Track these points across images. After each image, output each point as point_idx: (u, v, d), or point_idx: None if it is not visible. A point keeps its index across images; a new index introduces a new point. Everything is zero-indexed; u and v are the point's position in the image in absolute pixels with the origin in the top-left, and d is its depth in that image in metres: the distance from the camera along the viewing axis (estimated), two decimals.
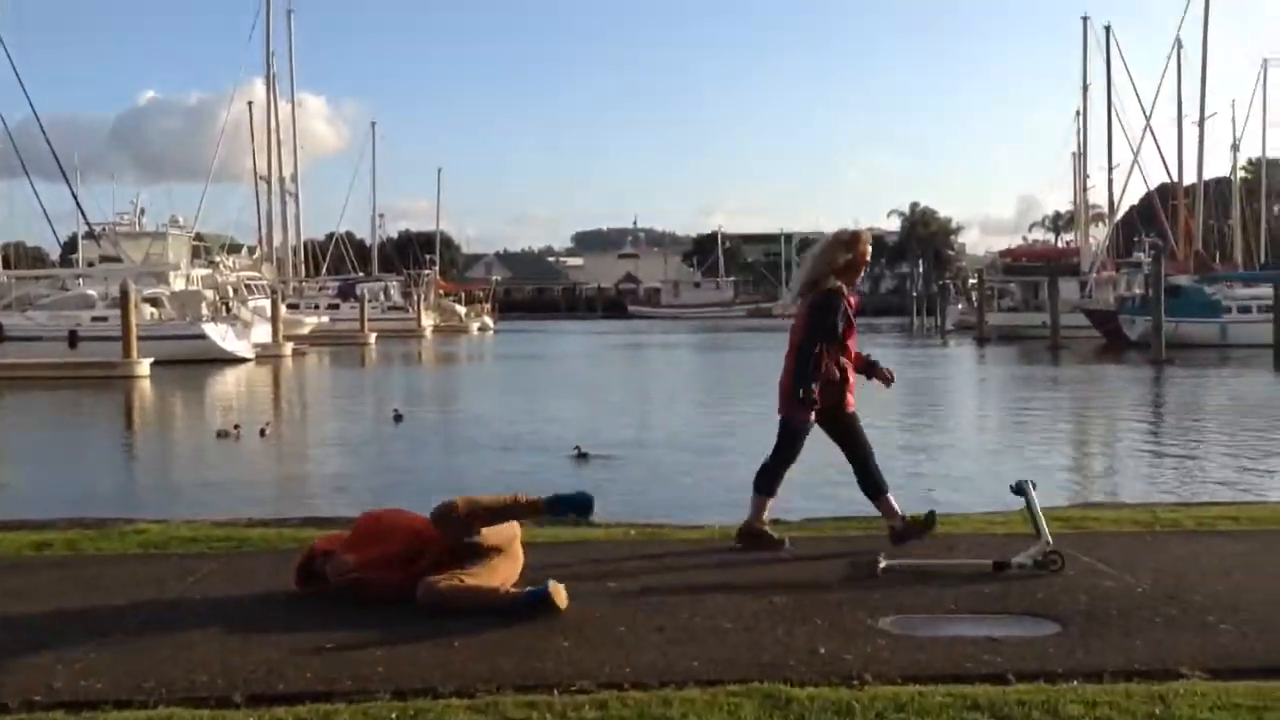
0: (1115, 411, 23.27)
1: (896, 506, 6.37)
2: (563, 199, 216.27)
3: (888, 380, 6.59)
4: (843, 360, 6.30)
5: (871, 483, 6.37)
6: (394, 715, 3.67)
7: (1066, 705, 3.62)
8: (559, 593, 4.88)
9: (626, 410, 23.37)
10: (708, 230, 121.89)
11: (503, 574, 5.18)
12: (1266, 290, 42.11)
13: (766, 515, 6.39)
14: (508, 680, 4.03)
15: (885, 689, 3.88)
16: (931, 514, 6.50)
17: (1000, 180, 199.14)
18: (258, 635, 4.64)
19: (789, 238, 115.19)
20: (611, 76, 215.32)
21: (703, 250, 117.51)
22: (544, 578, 5.05)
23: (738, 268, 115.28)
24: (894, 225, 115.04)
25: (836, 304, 6.22)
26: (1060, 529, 6.56)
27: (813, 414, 6.26)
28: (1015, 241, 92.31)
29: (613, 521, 7.70)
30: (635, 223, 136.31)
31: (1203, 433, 19.22)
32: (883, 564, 5.62)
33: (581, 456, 15.00)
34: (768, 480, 6.35)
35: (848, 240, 6.39)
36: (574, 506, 5.38)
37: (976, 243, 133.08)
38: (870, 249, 6.45)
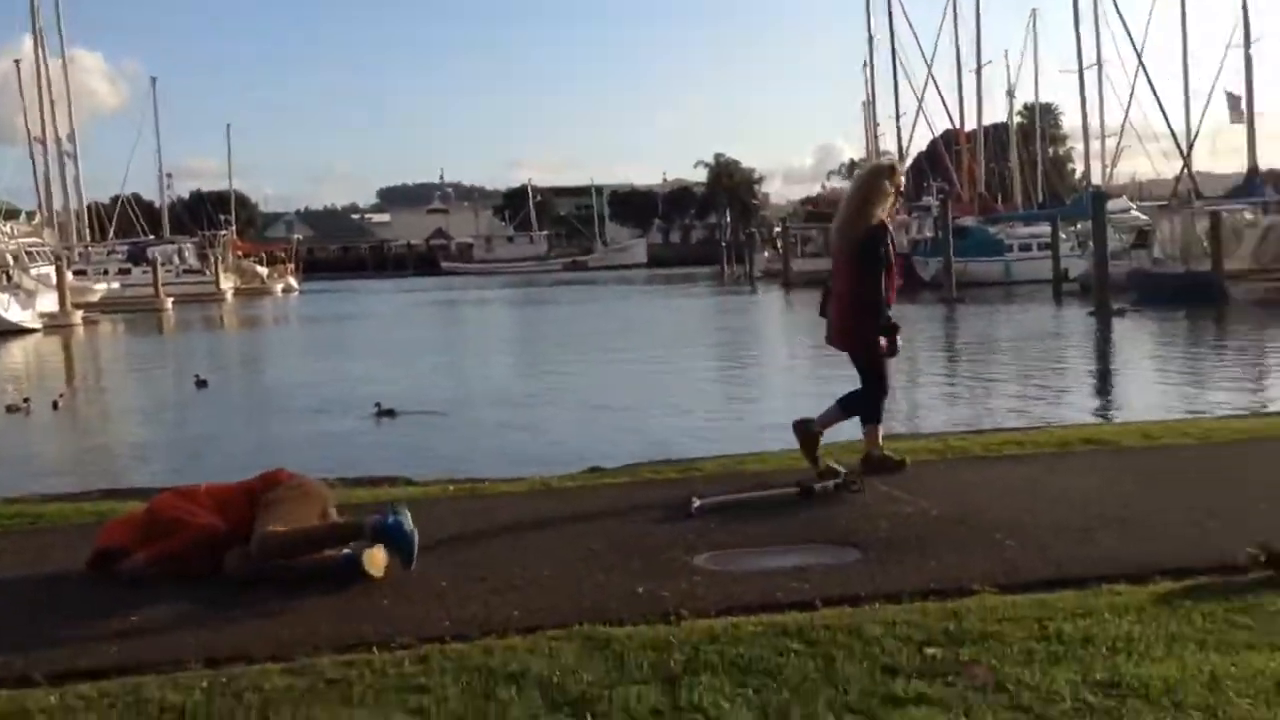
0: (913, 348, 24.38)
1: (880, 439, 6.66)
2: (365, 154, 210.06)
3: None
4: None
5: (871, 408, 6.63)
6: (204, 683, 3.56)
7: (868, 626, 3.83)
8: (373, 560, 4.77)
9: (442, 368, 23.08)
10: (517, 183, 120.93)
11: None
12: (1045, 229, 44.85)
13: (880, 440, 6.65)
14: (326, 642, 3.97)
15: (701, 623, 4.01)
16: (903, 460, 6.64)
17: (799, 130, 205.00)
18: (57, 613, 4.43)
19: (599, 190, 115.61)
20: (408, 22, 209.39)
21: (513, 204, 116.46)
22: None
23: (550, 221, 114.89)
24: (701, 176, 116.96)
25: (884, 236, 6.43)
26: (858, 458, 6.90)
27: (897, 340, 6.51)
28: (815, 189, 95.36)
29: (430, 478, 7.63)
30: (442, 177, 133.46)
31: (992, 365, 20.44)
32: (696, 504, 5.78)
33: (385, 414, 14.70)
34: (872, 409, 6.60)
35: (885, 171, 6.60)
36: (396, 542, 4.86)
37: (780, 191, 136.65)
38: (903, 178, 6.44)
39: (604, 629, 3.94)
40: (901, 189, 6.66)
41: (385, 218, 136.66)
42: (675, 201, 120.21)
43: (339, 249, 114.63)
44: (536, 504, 6.31)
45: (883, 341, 6.50)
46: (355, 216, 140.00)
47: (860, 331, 6.51)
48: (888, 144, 64.28)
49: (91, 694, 3.52)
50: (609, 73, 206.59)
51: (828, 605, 4.16)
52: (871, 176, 6.65)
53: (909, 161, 63.73)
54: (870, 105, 63.25)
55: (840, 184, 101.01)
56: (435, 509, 6.22)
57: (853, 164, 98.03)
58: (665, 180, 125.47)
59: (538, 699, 3.34)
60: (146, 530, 5.02)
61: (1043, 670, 3.37)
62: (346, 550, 4.89)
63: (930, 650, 3.57)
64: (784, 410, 14.94)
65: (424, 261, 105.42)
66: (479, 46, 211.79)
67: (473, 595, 4.51)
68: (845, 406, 6.72)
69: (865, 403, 6.64)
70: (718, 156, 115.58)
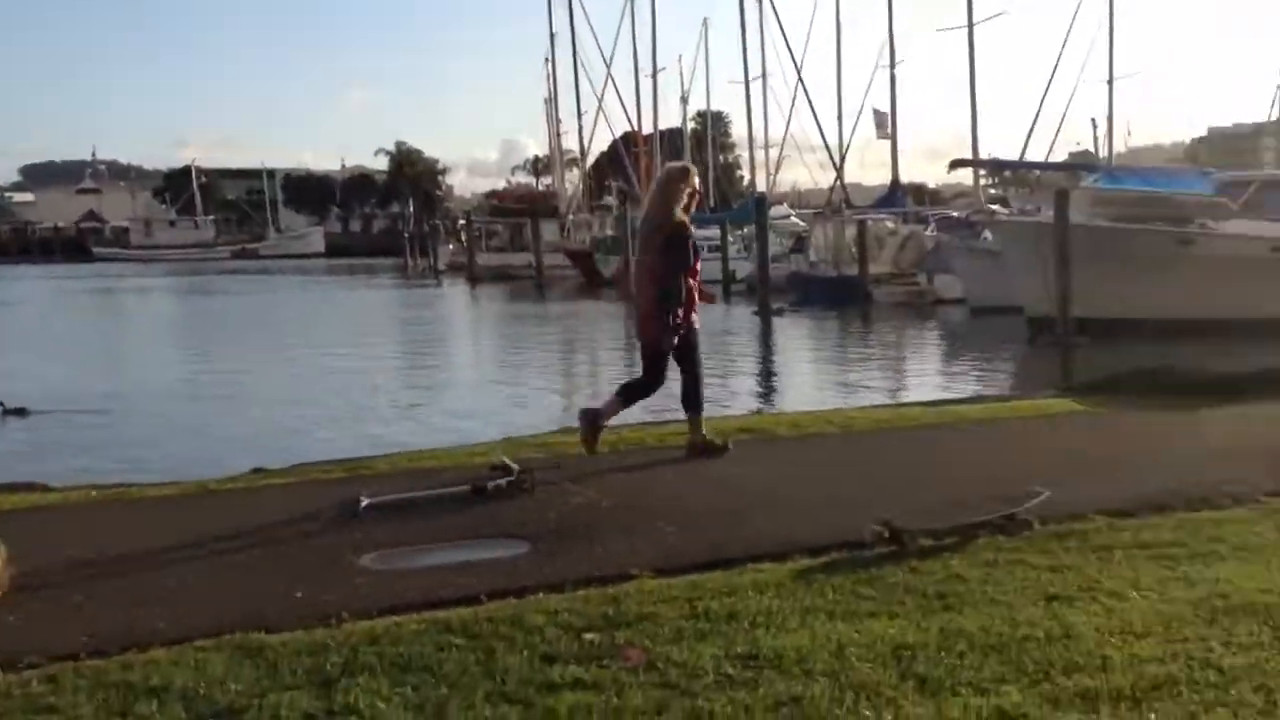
0: (591, 343, 25.10)
1: (703, 427, 7.09)
2: (7, 126, 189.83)
3: (711, 299, 7.57)
4: (690, 283, 6.88)
5: (695, 398, 7.04)
6: None
7: (531, 616, 3.89)
8: None
9: (98, 362, 21.35)
10: (180, 163, 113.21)
11: None
12: (715, 231, 47.18)
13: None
14: None
15: (362, 625, 3.93)
16: (726, 444, 7.04)
17: (485, 123, 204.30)
18: None
19: (272, 173, 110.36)
20: None
21: (175, 185, 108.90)
22: None
23: (217, 205, 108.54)
24: (382, 164, 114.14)
25: (689, 236, 6.89)
26: (535, 453, 7.00)
27: (676, 336, 6.85)
28: (500, 183, 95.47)
29: (71, 484, 7.03)
30: (95, 154, 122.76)
31: None
32: (364, 503, 5.65)
33: (13, 413, 13.44)
34: (695, 399, 7.04)
35: (680, 174, 7.01)
36: None
37: (465, 184, 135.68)
38: (697, 179, 7.08)
39: (258, 636, 3.79)
40: (698, 190, 7.09)
41: (29, 197, 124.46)
42: (355, 189, 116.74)
43: None
44: (192, 509, 5.97)
45: (671, 321, 6.82)
46: None
47: (666, 323, 6.86)
48: (570, 142, 65.39)
49: None
50: (287, 48, 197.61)
51: (493, 599, 4.19)
52: (670, 178, 7.07)
53: (590, 160, 65.22)
54: (552, 102, 64.02)
55: (525, 179, 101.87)
56: (76, 517, 5.77)
57: (537, 160, 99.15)
58: (344, 167, 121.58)
59: (181, 712, 3.17)
60: None
61: (690, 647, 3.55)
62: None
63: (589, 636, 3.68)
64: (466, 407, 15.15)
65: (74, 246, 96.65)
66: (143, 9, 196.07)
67: (113, 608, 4.20)
68: (624, 395, 7.07)
69: (690, 390, 7.06)
70: (399, 144, 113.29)
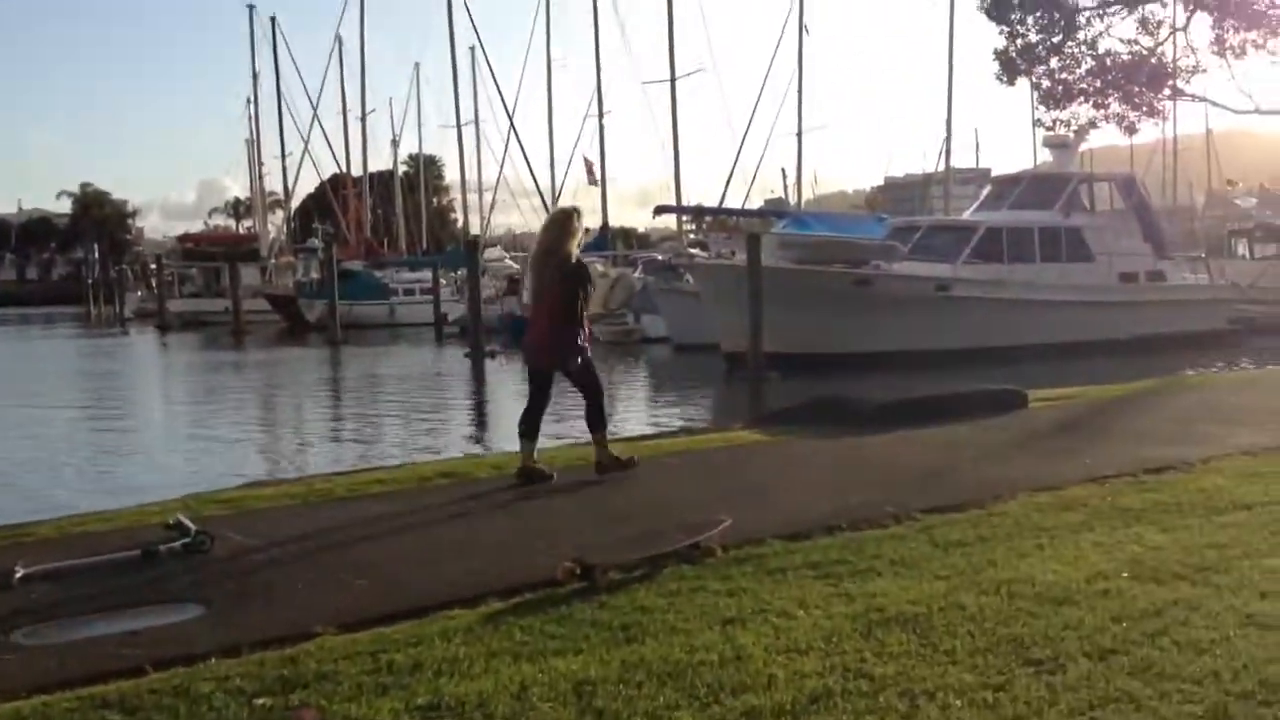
0: (295, 391, 24.16)
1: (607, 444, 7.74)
2: None
3: None
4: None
5: (598, 417, 7.70)
6: None
7: (199, 684, 3.66)
8: None
9: None
10: None
11: None
12: (428, 274, 46.79)
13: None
14: None
15: (6, 706, 3.58)
16: (633, 458, 7.76)
17: (181, 164, 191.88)
18: None
19: None
20: None
21: None
22: None
23: None
24: (65, 207, 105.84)
25: (587, 268, 7.74)
26: (219, 511, 6.65)
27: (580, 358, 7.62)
28: (197, 226, 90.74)
29: None
30: None
31: (373, 404, 20.82)
32: (20, 573, 5.17)
33: None
34: (598, 417, 7.71)
35: (571, 214, 7.83)
36: None
37: (157, 226, 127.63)
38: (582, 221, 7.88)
39: None
40: (583, 229, 7.92)
41: None
42: (33, 233, 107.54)
43: None
44: None
45: (586, 347, 7.66)
46: None
47: (570, 345, 7.56)
48: (273, 184, 63.09)
49: None
50: None
51: (159, 668, 3.92)
52: (561, 219, 7.80)
53: (296, 203, 63.09)
54: (255, 143, 61.59)
55: (225, 221, 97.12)
56: None
57: (238, 202, 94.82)
58: (21, 209, 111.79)
59: None
60: None
61: (369, 703, 3.45)
62: None
63: (261, 700, 3.51)
64: (149, 463, 14.16)
65: None
66: None
67: None
68: (593, 425, 7.72)
69: (593, 412, 7.70)
70: (84, 186, 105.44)
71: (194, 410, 20.85)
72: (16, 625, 4.53)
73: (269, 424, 19.46)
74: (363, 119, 58.45)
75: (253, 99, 60.32)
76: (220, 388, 24.77)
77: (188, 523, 5.87)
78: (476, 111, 55.31)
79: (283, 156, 59.24)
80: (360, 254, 54.72)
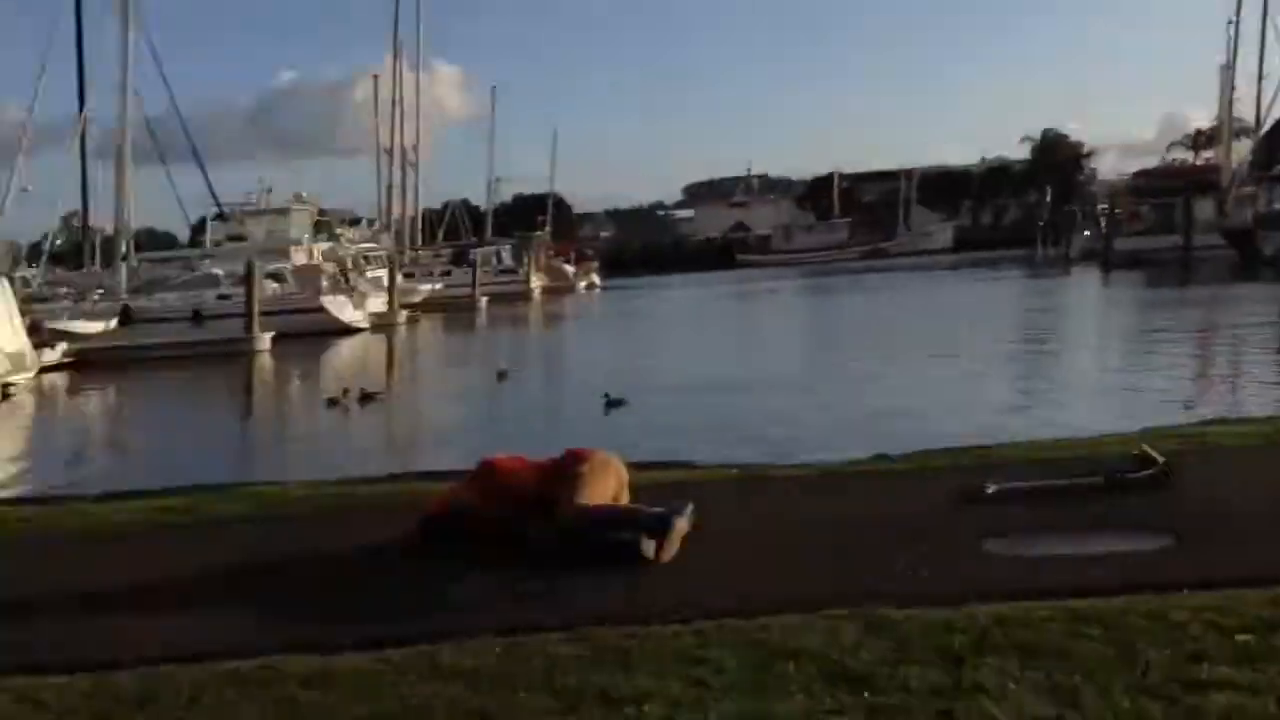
0: (1243, 331, 22.28)
1: None
2: (676, 152, 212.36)
3: None
4: None
5: None
6: (498, 649, 3.75)
7: (1175, 612, 3.52)
8: (653, 549, 4.87)
9: (722, 357, 23.41)
10: (825, 172, 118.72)
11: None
12: None
13: None
14: (609, 616, 4.07)
15: (990, 607, 3.81)
16: None
17: (1141, 99, 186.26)
18: (368, 587, 4.79)
19: (909, 173, 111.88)
20: (720, 23, 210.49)
21: (818, 193, 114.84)
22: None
23: (856, 209, 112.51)
24: (1024, 153, 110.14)
25: None
26: (1179, 445, 6.36)
27: None
28: (1153, 162, 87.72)
29: (713, 462, 7.70)
30: (749, 170, 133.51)
31: None
32: (991, 489, 5.51)
33: (613, 403, 15.00)
34: None
35: None
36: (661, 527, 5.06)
37: (1114, 166, 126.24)
38: None
39: (884, 611, 3.83)
40: None
41: (689, 213, 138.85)
42: (991, 181, 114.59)
43: (642, 246, 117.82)
44: (820, 489, 6.21)
45: None
46: (660, 214, 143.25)
47: None
48: (1243, 110, 57.89)
49: (394, 658, 3.77)
50: (924, 50, 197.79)
51: (1130, 592, 3.85)
52: None
53: (1265, 128, 57.36)
54: (1229, 68, 56.92)
55: (1184, 155, 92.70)
56: (718, 492, 6.26)
57: (1198, 134, 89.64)
58: (983, 160, 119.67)
59: (815, 673, 3.29)
60: (482, 479, 5.52)
61: None
62: (661, 510, 5.02)
63: (1242, 637, 3.24)
64: (1091, 397, 14.21)
65: (721, 255, 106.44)
66: (792, 32, 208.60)
67: (753, 576, 4.51)
68: None
69: None
70: (1045, 132, 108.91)
71: (1132, 347, 20.46)
72: (990, 536, 4.82)
73: (1209, 363, 18.25)
74: None
75: (1235, 20, 55.79)
76: (1159, 326, 23.94)
77: (1153, 454, 5.70)
78: None
79: (1259, 77, 54.02)
80: None
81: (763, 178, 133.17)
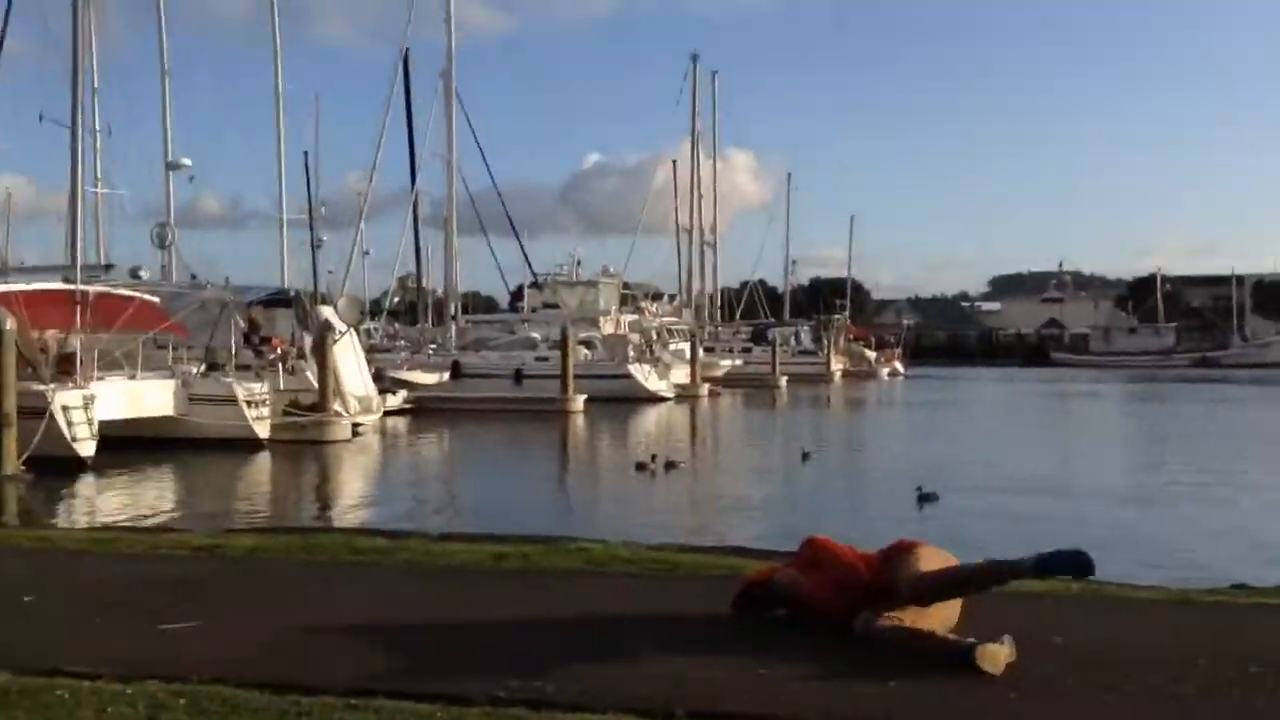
0: None
1: None
2: (981, 243, 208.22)
3: None
4: None
5: None
6: None
7: None
8: (991, 656, 4.50)
9: (1039, 458, 22.15)
10: (1144, 273, 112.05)
11: (940, 617, 4.99)
12: None
13: None
14: None
15: None
16: None
17: None
18: (697, 655, 4.79)
19: (1241, 279, 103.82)
20: (1031, 112, 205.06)
21: (1138, 294, 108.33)
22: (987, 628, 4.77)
23: (1181, 313, 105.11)
24: None
25: None
26: None
27: None
28: None
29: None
30: (1061, 265, 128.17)
31: None
32: None
33: (926, 498, 14.38)
34: None
35: None
36: (1069, 567, 4.98)
37: None
38: None
39: None
40: None
41: (995, 306, 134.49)
42: None
43: (946, 336, 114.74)
44: (1171, 615, 5.69)
45: None
46: (965, 305, 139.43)
47: None
48: None
49: None
50: (1260, 145, 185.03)
51: None
52: None
53: None
54: None
55: None
56: (1056, 604, 5.86)
57: None
58: None
59: None
60: (802, 562, 5.43)
61: None
62: (970, 639, 4.72)
63: None
64: None
65: (1034, 351, 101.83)
66: (1108, 124, 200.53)
67: (1102, 703, 4.15)
68: None
69: None
70: None
71: None
72: None
73: None
74: None
75: None
76: None
77: None
78: None
79: None
80: None
81: (1075, 274, 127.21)
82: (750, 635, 5.10)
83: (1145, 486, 17.74)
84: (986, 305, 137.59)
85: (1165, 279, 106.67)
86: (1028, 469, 19.84)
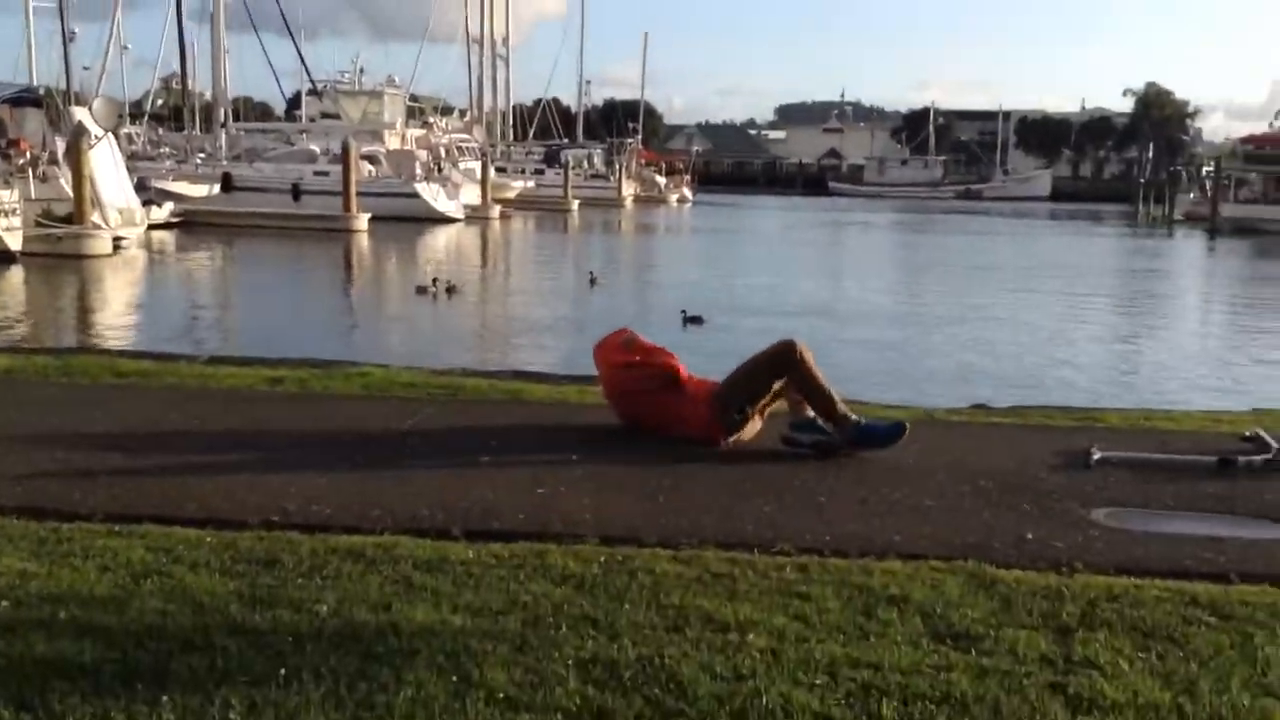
0: None
1: None
2: (771, 71, 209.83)
3: None
4: None
5: None
6: (602, 559, 3.80)
7: None
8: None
9: (817, 283, 23.20)
10: (920, 105, 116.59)
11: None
12: None
13: None
14: (710, 536, 4.12)
15: (1098, 579, 3.77)
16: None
17: (1251, 61, 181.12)
18: (474, 475, 4.88)
19: (1007, 115, 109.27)
20: None
21: (913, 126, 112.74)
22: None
23: (950, 146, 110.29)
24: (1127, 105, 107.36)
25: None
26: None
27: None
28: (1262, 127, 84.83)
29: None
30: (843, 95, 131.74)
31: None
32: (1096, 455, 5.41)
33: (692, 320, 15.03)
34: None
35: None
36: (880, 440, 5.52)
37: (1218, 128, 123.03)
38: None
39: (990, 569, 3.81)
40: None
41: (781, 135, 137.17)
42: (1091, 132, 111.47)
43: (733, 163, 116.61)
44: (918, 435, 6.14)
45: None
46: (752, 132, 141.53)
47: None
48: None
49: (503, 554, 3.85)
50: None
51: (1247, 581, 3.78)
52: None
53: None
54: None
55: None
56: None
57: None
58: (1084, 109, 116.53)
59: (920, 625, 3.29)
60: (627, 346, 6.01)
61: None
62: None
63: None
64: (1201, 369, 13.88)
65: (813, 181, 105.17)
66: None
67: (852, 513, 4.50)
68: None
69: None
70: (1148, 85, 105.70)
71: (1241, 321, 19.86)
72: (1095, 505, 4.74)
73: None
74: None
75: None
76: (1271, 301, 23.18)
77: (1268, 438, 5.55)
78: None
79: None
80: None
81: (855, 105, 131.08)
82: (527, 456, 5.23)
83: (904, 312, 18.88)
84: (773, 134, 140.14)
85: (938, 112, 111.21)
86: (800, 293, 20.74)
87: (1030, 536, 4.26)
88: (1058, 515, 4.56)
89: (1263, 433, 5.72)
